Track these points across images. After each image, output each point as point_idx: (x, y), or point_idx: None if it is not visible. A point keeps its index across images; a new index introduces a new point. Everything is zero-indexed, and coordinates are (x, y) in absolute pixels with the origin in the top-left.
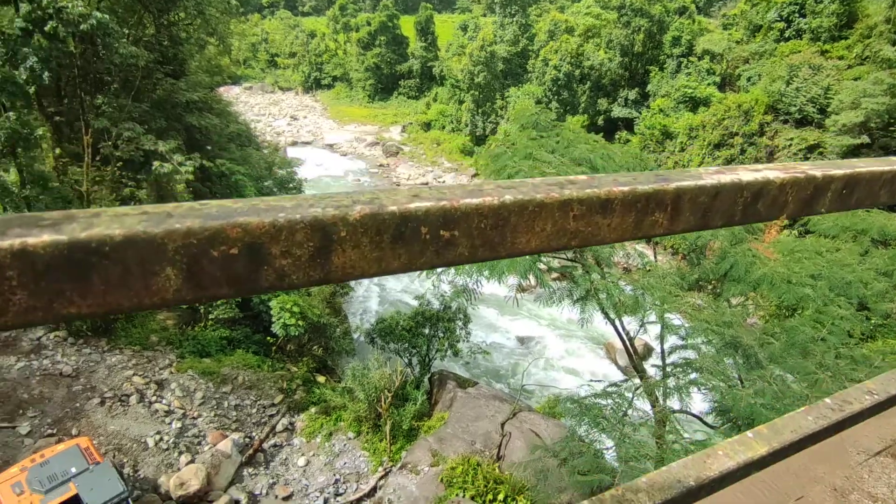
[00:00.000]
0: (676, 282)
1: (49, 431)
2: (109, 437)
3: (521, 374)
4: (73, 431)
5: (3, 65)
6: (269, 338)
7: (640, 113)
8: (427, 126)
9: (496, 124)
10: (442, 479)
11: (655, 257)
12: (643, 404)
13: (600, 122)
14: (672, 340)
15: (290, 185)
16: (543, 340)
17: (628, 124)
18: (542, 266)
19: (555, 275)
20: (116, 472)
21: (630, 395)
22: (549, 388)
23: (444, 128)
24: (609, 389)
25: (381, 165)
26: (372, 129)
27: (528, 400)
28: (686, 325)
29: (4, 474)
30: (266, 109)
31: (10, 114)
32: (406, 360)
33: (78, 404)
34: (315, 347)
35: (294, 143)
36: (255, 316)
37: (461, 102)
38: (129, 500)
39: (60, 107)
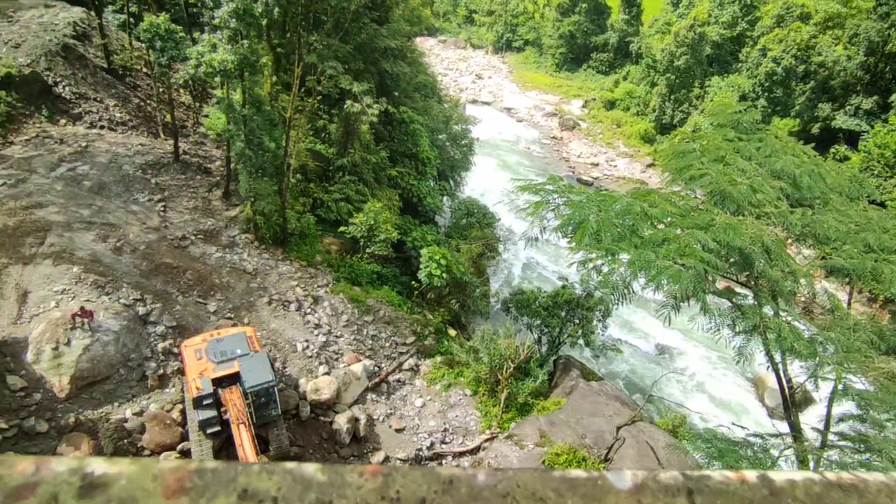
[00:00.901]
0: (871, 339)
1: (228, 315)
2: (269, 333)
3: (652, 384)
4: (245, 320)
5: None
6: (413, 282)
7: (872, 127)
8: (611, 105)
9: (687, 115)
10: (543, 461)
11: (849, 302)
12: (788, 468)
13: (814, 130)
14: (846, 406)
15: (463, 142)
16: (685, 355)
17: (852, 138)
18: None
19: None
20: (269, 363)
21: (776, 453)
22: (678, 406)
23: (628, 109)
24: (752, 439)
25: (554, 138)
26: (553, 98)
27: (651, 411)
28: (873, 393)
29: (191, 340)
30: (454, 65)
31: (245, 42)
32: (536, 337)
33: (252, 299)
34: (453, 301)
35: (474, 101)
36: (406, 259)
37: (653, 85)
38: (275, 389)
39: (283, 40)
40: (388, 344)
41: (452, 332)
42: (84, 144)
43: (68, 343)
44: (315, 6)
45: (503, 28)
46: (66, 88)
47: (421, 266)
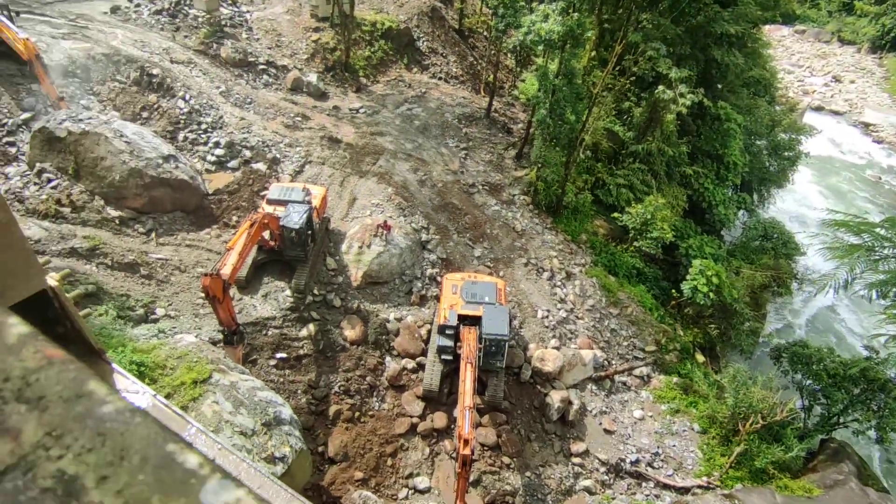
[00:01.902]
0: None
1: (488, 263)
2: (517, 292)
3: None
4: (500, 273)
5: None
6: (674, 291)
7: None
8: None
9: None
10: None
11: None
12: None
13: None
14: None
15: (786, 154)
16: None
17: None
18: None
19: None
20: (509, 319)
21: None
22: None
23: None
24: None
25: None
26: None
27: None
28: None
29: (453, 275)
30: (807, 61)
31: (576, 14)
32: (804, 403)
33: (512, 255)
34: (712, 326)
35: (819, 109)
36: (674, 264)
37: None
38: (507, 344)
39: (613, 16)
40: (625, 343)
41: (700, 358)
42: (423, 91)
43: (369, 246)
44: None
45: (894, 21)
46: (424, 43)
47: (687, 277)
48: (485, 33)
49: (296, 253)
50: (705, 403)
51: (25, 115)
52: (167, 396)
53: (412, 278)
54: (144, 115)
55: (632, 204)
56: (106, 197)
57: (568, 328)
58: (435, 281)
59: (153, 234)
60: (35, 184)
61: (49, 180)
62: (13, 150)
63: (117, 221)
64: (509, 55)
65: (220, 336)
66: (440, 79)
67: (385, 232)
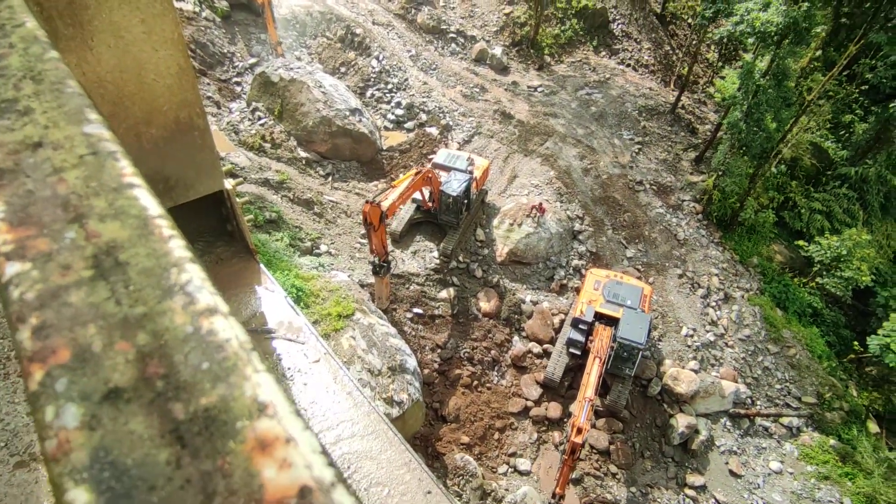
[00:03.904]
0: None
1: (639, 267)
2: (664, 303)
3: None
4: (650, 279)
5: None
6: (856, 343)
7: None
8: None
9: None
10: None
11: None
12: None
13: None
14: None
15: None
16: None
17: None
18: None
19: None
20: (649, 328)
21: None
22: None
23: None
24: None
25: None
26: None
27: None
28: None
29: (598, 270)
30: None
31: (804, 4)
32: None
33: (667, 264)
34: None
35: None
36: (864, 314)
37: None
38: (640, 353)
39: (855, 10)
40: (778, 386)
41: (873, 428)
42: (607, 76)
43: (520, 225)
44: None
45: None
46: (619, 26)
47: (880, 331)
48: (689, 20)
49: (449, 218)
50: (866, 480)
51: (252, 60)
52: (314, 323)
53: (556, 265)
54: (342, 69)
55: (825, 234)
56: (299, 139)
57: (713, 353)
58: (579, 273)
59: (330, 178)
60: (248, 119)
61: (259, 118)
62: (238, 89)
63: (304, 162)
64: (712, 47)
65: (371, 268)
66: (628, 65)
67: (539, 214)
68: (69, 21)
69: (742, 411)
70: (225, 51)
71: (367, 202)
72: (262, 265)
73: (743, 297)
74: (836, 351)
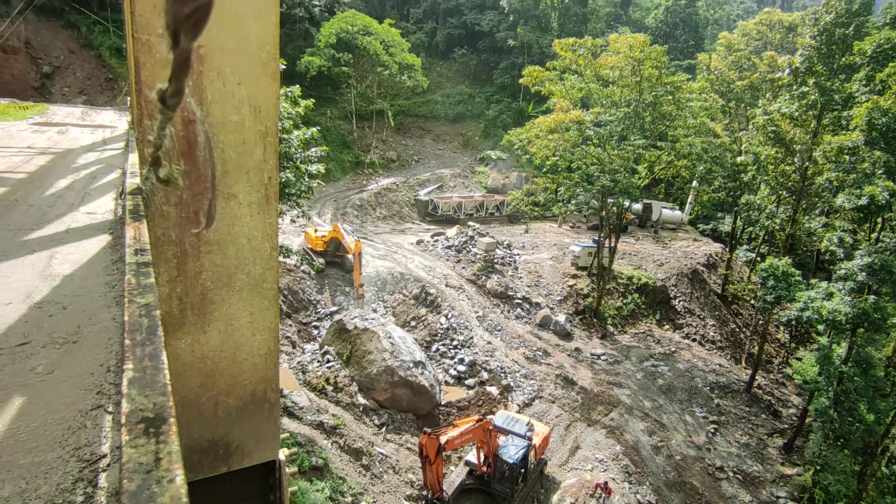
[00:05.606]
0: None
1: None
2: None
3: None
4: None
5: None
6: None
7: None
8: None
9: None
10: None
11: None
12: None
13: None
14: None
15: None
16: None
17: None
18: None
19: None
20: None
21: None
22: None
23: None
24: None
25: None
26: None
27: None
28: None
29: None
30: None
31: (872, 298)
32: None
33: None
34: None
35: None
36: None
37: None
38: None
39: None
40: None
41: None
42: (672, 349)
43: None
44: None
45: None
46: (681, 303)
47: None
48: (752, 302)
49: (503, 489)
50: None
51: (333, 308)
52: None
53: None
54: (413, 323)
55: None
56: (361, 384)
57: None
58: None
59: (384, 429)
60: (318, 361)
61: (328, 360)
62: (315, 332)
63: (361, 409)
64: (780, 328)
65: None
66: (694, 340)
67: (605, 495)
68: (197, 312)
69: None
70: (312, 298)
71: (424, 432)
72: None
73: None
74: None
